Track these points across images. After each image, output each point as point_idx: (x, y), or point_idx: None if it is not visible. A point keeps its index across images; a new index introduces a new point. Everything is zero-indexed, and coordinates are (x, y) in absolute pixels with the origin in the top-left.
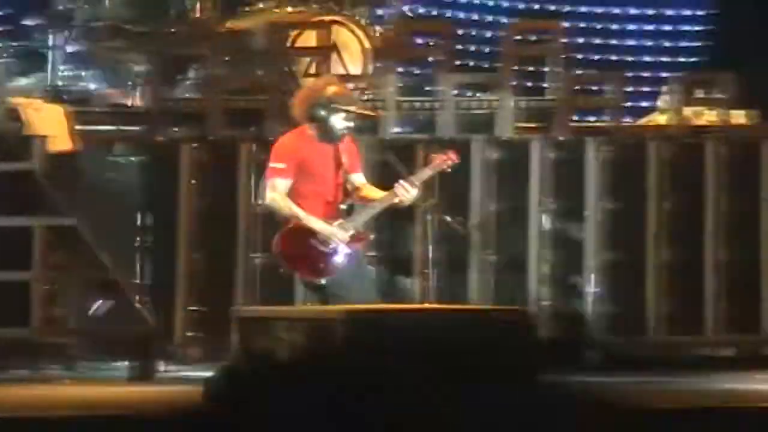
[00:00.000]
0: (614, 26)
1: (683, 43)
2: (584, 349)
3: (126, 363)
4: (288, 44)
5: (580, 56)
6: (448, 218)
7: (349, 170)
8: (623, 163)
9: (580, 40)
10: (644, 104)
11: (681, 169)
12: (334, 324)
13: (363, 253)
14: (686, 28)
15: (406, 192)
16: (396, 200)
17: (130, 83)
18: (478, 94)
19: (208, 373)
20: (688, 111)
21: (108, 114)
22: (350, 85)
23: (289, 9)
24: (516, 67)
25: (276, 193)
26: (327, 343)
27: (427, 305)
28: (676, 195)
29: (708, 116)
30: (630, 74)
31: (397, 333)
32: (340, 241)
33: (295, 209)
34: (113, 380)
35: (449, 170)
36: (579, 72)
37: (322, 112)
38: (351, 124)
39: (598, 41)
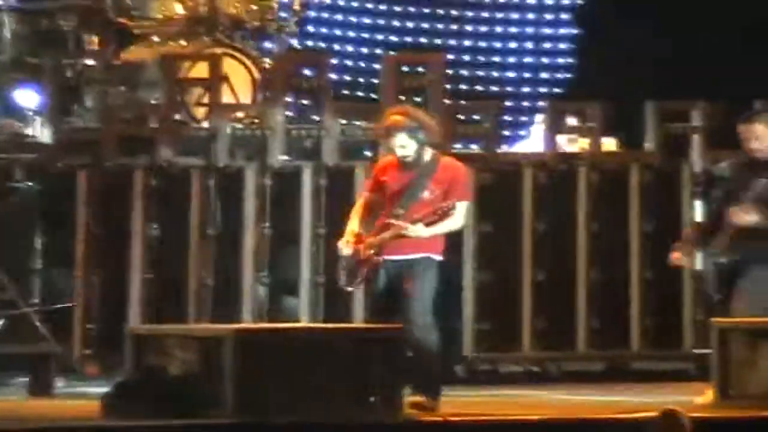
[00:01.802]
0: (496, 59)
1: (559, 75)
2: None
3: (26, 379)
4: (181, 75)
5: (465, 87)
6: None
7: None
8: (500, 188)
9: (464, 72)
10: (521, 132)
11: (554, 194)
12: (221, 342)
13: (413, 274)
14: (561, 60)
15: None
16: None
17: (29, 113)
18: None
19: (105, 389)
20: (561, 139)
21: (8, 142)
22: (240, 114)
23: (183, 42)
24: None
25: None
26: (215, 360)
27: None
28: (550, 218)
29: (581, 144)
30: (507, 104)
31: (282, 351)
32: (341, 250)
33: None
34: (14, 396)
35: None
36: (459, 102)
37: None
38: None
39: (480, 73)
